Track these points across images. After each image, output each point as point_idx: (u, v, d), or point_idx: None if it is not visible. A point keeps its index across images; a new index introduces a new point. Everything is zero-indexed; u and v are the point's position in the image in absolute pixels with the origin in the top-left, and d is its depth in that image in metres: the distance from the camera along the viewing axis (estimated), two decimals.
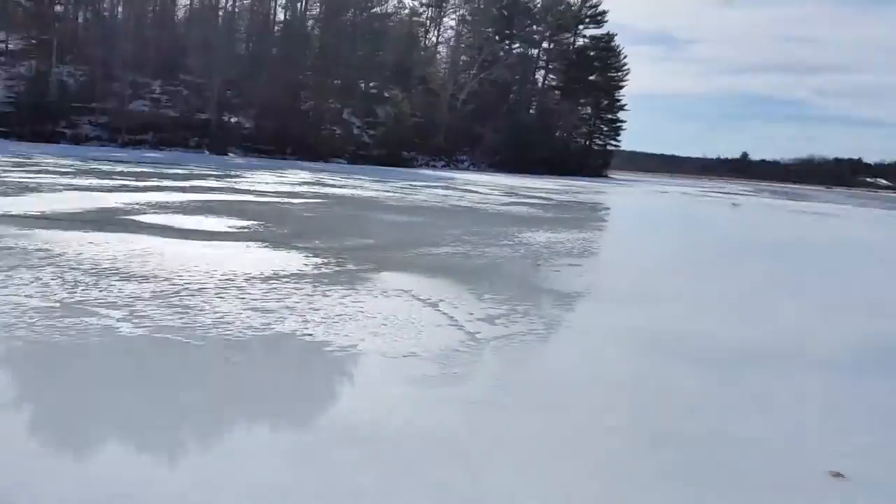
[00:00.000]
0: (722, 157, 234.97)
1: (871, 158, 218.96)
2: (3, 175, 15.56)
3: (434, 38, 65.10)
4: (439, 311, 5.46)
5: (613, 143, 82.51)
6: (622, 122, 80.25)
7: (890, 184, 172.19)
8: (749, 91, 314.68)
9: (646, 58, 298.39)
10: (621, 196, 34.42)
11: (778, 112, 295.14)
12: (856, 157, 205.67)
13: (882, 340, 5.69)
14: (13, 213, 9.30)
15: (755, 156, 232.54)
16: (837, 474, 2.92)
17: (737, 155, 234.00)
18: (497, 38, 63.61)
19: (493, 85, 60.11)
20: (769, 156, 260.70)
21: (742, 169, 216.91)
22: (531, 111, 68.55)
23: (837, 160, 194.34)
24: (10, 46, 43.62)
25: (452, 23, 63.55)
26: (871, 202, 55.80)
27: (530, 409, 3.57)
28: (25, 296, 4.89)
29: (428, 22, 64.85)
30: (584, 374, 4.24)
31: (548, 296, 6.53)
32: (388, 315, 5.17)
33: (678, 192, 46.74)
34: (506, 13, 64.44)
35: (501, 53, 63.07)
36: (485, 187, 29.03)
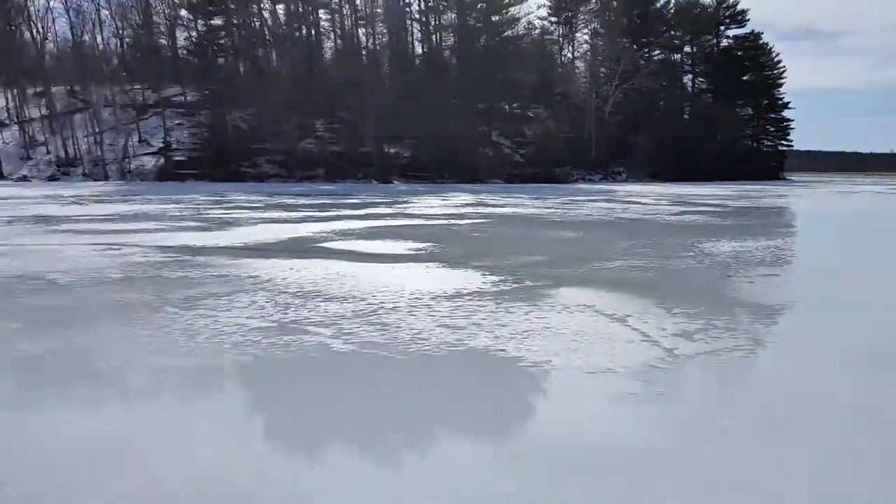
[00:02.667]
0: None
1: None
2: (205, 212, 17.55)
3: (570, 54, 64.92)
4: (629, 326, 5.29)
5: (784, 143, 76.61)
6: (789, 120, 74.37)
7: None
8: None
9: (792, 53, 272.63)
10: (806, 199, 31.22)
11: None
12: None
13: None
14: (221, 244, 10.44)
15: None
16: None
17: None
18: (635, 46, 61.75)
19: (639, 94, 58.10)
20: None
21: None
22: (685, 117, 65.53)
23: None
24: (188, 98, 49.75)
25: (586, 37, 62.76)
26: None
27: (752, 431, 3.32)
28: (247, 317, 5.44)
29: (561, 39, 64.78)
30: (809, 396, 3.89)
31: (747, 309, 6.07)
32: (576, 330, 5.11)
33: (872, 191, 41.93)
34: (639, 21, 62.67)
35: (642, 62, 60.98)
36: (648, 198, 27.88)
